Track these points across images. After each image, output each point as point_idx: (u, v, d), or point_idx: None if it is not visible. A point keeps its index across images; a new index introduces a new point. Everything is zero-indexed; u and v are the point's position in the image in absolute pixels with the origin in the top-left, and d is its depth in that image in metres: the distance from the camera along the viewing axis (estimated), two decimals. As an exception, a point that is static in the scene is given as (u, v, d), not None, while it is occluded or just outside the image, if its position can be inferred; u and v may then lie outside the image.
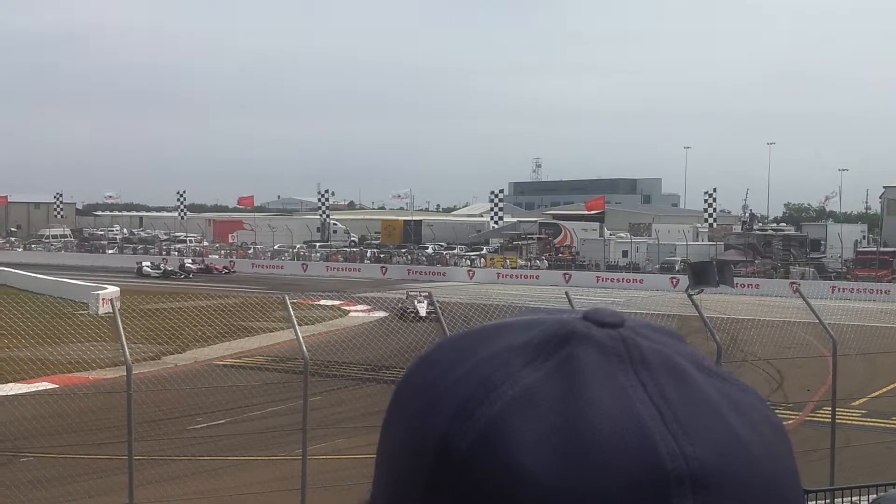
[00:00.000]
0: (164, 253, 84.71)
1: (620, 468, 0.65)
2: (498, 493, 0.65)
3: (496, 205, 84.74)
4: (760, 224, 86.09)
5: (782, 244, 72.69)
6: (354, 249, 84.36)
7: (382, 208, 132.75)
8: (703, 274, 15.43)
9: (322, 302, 41.17)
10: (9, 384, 23.84)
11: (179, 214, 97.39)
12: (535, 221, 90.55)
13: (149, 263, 73.17)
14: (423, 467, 0.68)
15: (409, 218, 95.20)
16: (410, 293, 40.24)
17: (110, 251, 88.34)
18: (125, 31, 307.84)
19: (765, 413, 0.73)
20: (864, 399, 23.99)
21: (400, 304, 37.70)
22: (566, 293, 16.46)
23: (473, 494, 0.66)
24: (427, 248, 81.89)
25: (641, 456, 0.65)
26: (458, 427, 0.67)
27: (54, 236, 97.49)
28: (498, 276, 70.05)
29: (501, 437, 0.66)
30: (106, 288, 44.18)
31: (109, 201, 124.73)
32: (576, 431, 0.66)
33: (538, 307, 0.76)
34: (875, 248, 70.21)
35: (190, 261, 75.53)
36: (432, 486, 0.68)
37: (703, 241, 78.16)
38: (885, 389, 25.46)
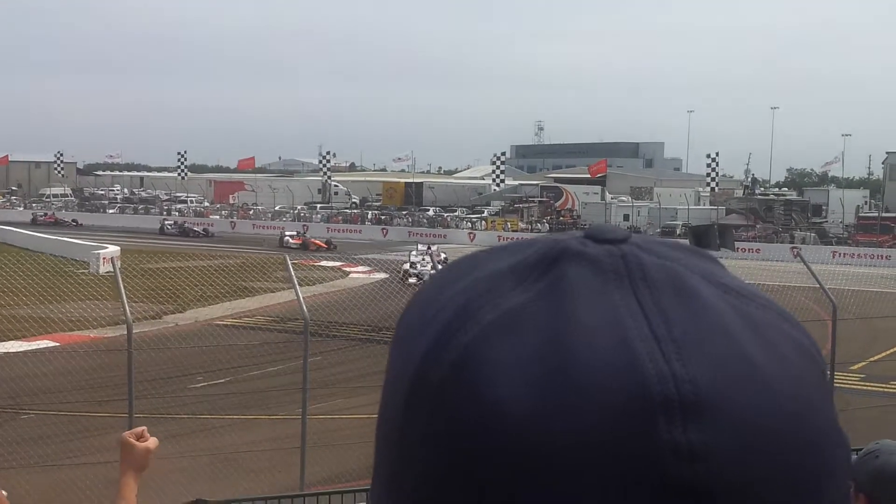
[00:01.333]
0: (164, 213, 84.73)
1: (601, 394, 0.57)
2: (469, 425, 0.59)
3: (498, 167, 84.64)
4: (762, 189, 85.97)
5: (784, 209, 72.68)
6: (355, 211, 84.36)
7: (384, 170, 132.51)
8: (704, 237, 15.45)
9: (322, 263, 41.15)
10: (9, 342, 23.89)
11: (180, 175, 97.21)
12: (537, 185, 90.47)
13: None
14: (402, 396, 0.64)
15: (410, 180, 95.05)
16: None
17: (111, 210, 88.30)
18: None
19: (789, 332, 0.64)
20: (863, 363, 24.09)
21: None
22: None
23: (446, 424, 0.60)
24: (428, 210, 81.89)
25: (625, 378, 0.58)
26: (434, 355, 0.62)
27: (55, 195, 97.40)
28: (499, 239, 69.96)
29: (474, 365, 0.60)
30: (107, 247, 44.20)
31: (110, 161, 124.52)
32: (556, 357, 0.59)
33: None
34: (877, 214, 70.20)
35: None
36: (409, 415, 0.63)
37: (704, 205, 78.17)
38: (883, 354, 25.55)
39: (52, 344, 24.15)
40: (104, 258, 39.46)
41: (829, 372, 0.64)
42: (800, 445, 0.59)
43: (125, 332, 13.28)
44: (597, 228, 0.67)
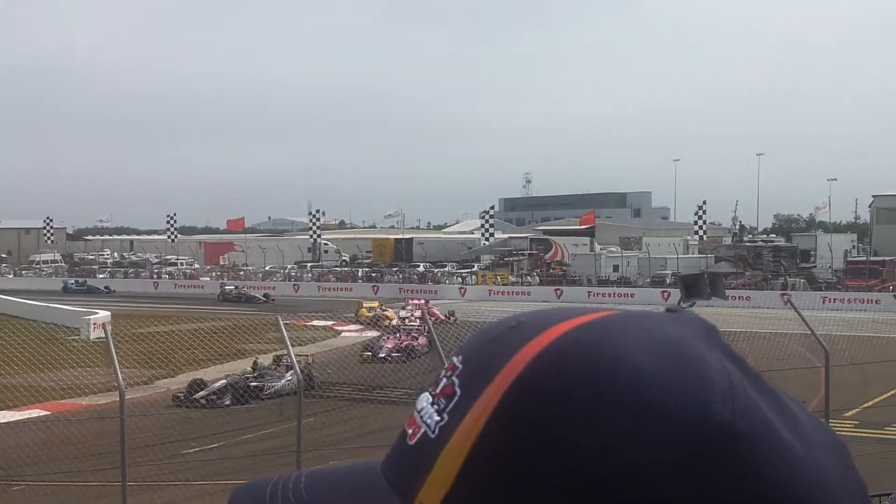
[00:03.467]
0: (154, 276, 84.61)
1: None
2: (773, 466, 0.72)
3: (487, 221, 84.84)
4: (750, 235, 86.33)
5: (772, 255, 72.88)
6: (346, 269, 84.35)
7: (373, 227, 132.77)
8: (694, 287, 15.49)
9: (314, 322, 41.09)
10: (0, 412, 23.73)
11: (170, 237, 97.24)
12: (526, 237, 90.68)
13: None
14: (693, 452, 0.71)
15: (399, 236, 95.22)
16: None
17: (101, 276, 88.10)
18: (113, 60, 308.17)
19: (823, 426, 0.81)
20: (857, 409, 24.02)
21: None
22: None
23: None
24: (418, 266, 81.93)
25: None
26: (722, 407, 0.72)
27: (45, 262, 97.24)
28: (489, 293, 70.07)
29: (759, 413, 0.74)
30: (97, 312, 44.06)
31: (100, 225, 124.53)
32: (789, 411, 0.77)
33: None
34: (865, 258, 70.42)
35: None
36: (710, 471, 0.71)
37: (693, 253, 78.32)
38: (877, 399, 25.50)
39: (43, 413, 23.97)
40: (94, 324, 39.33)
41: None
42: None
43: (117, 399, 13.24)
44: (674, 307, 0.85)
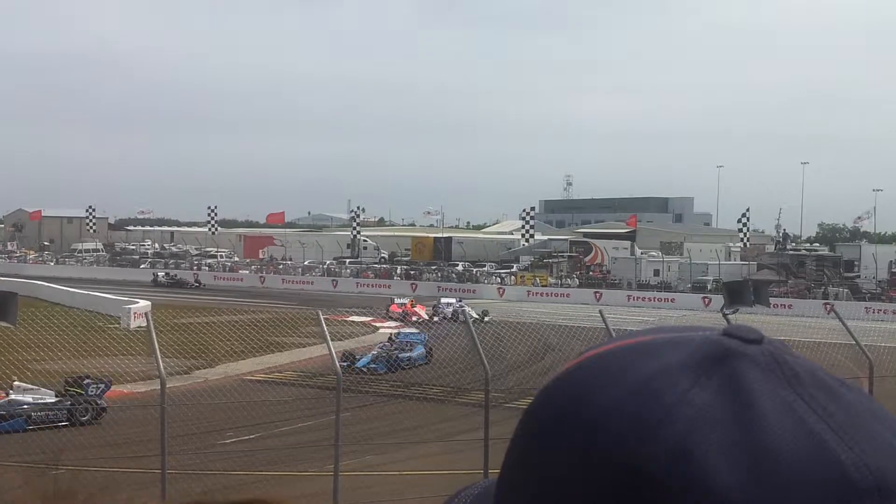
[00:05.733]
0: (194, 268, 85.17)
1: (808, 482, 0.66)
2: None
3: (527, 222, 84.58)
4: (794, 244, 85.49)
5: (816, 264, 72.16)
6: (385, 266, 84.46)
7: (412, 225, 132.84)
8: (738, 293, 15.34)
9: (352, 318, 41.15)
10: (42, 397, 23.92)
11: (210, 230, 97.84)
12: (566, 239, 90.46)
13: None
14: (607, 492, 0.68)
15: (439, 235, 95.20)
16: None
17: (142, 266, 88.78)
18: (157, 52, 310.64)
19: (887, 413, 0.74)
20: (901, 421, 23.66)
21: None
22: (600, 312, 16.35)
23: None
24: (457, 265, 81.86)
25: (826, 469, 0.66)
26: (645, 449, 0.68)
27: (87, 250, 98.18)
28: (528, 294, 69.90)
29: (691, 455, 0.67)
30: (138, 302, 44.40)
31: (142, 216, 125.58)
32: (759, 448, 0.67)
33: (664, 327, 0.80)
34: (910, 269, 69.53)
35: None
36: None
37: (735, 260, 77.73)
38: (921, 412, 25.10)
39: (83, 399, 24.14)
40: (135, 313, 39.64)
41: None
42: None
43: (157, 388, 13.30)
44: (735, 328, 0.75)
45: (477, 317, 42.76)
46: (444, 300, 49.99)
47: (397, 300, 50.65)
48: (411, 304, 49.02)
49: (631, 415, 0.70)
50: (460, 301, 47.93)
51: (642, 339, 0.78)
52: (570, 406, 0.74)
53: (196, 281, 77.13)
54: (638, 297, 66.12)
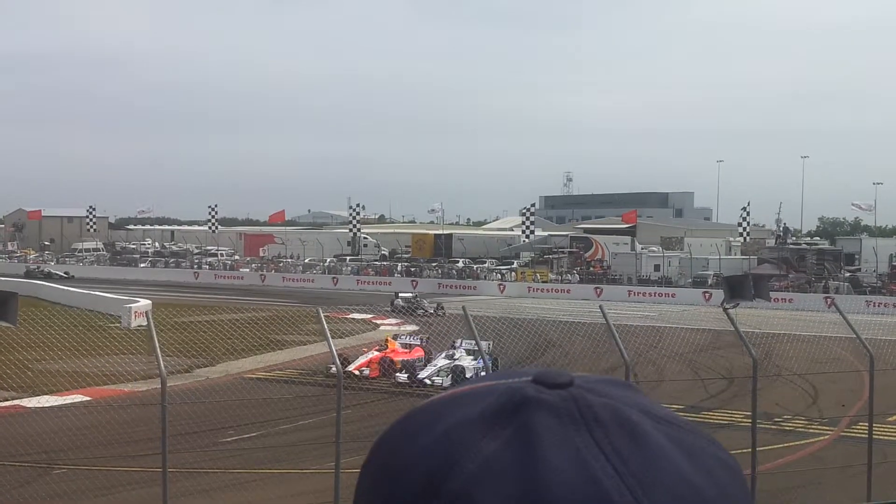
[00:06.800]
0: (195, 266, 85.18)
1: None
2: None
3: (527, 218, 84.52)
4: (794, 238, 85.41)
5: (816, 258, 72.10)
6: (385, 263, 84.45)
7: (413, 222, 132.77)
8: (739, 287, 15.27)
9: (353, 315, 41.16)
10: (42, 396, 23.94)
11: (210, 228, 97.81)
12: (567, 235, 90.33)
13: None
14: None
15: (439, 232, 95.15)
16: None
17: (142, 265, 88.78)
18: (157, 51, 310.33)
19: (717, 455, 0.74)
20: (902, 414, 23.67)
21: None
22: (600, 307, 16.32)
23: None
24: (458, 261, 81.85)
25: None
26: (431, 501, 0.70)
27: (87, 250, 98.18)
28: (529, 290, 69.91)
29: None
30: (138, 301, 44.39)
31: (142, 215, 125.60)
32: (537, 497, 0.67)
33: (491, 373, 0.83)
34: (911, 263, 69.47)
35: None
36: None
37: (735, 255, 77.68)
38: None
39: (84, 398, 24.17)
40: (136, 312, 39.64)
41: (750, 485, 0.77)
42: None
43: (157, 386, 13.28)
44: (544, 374, 0.76)
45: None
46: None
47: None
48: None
49: (424, 467, 0.71)
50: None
51: (462, 389, 0.78)
52: (385, 457, 0.77)
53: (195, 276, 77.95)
54: (638, 293, 66.16)
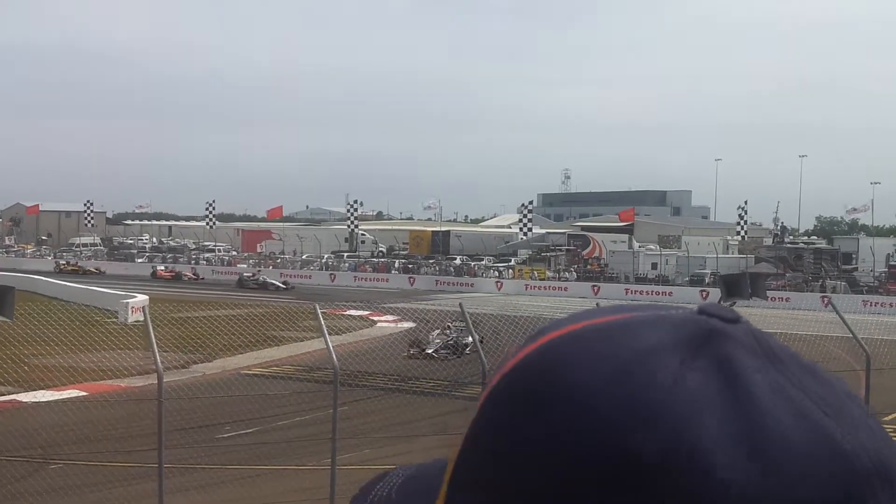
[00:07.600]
0: (192, 262, 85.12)
1: (813, 470, 0.62)
2: (703, 499, 0.61)
3: (525, 216, 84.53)
4: (791, 237, 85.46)
5: (813, 257, 72.14)
6: (382, 260, 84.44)
7: (410, 219, 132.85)
8: (735, 286, 15.31)
9: (350, 312, 41.16)
10: (39, 391, 23.94)
11: (208, 224, 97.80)
12: (564, 233, 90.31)
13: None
14: (591, 476, 0.63)
15: (437, 229, 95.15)
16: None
17: (139, 260, 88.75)
18: (155, 46, 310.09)
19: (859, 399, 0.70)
20: (897, 414, 23.71)
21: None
22: (597, 305, 16.32)
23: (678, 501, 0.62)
24: (455, 259, 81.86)
25: (831, 456, 0.63)
26: (640, 433, 0.63)
27: (84, 245, 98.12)
28: (526, 288, 69.91)
29: (692, 442, 0.62)
30: (135, 296, 44.35)
31: (139, 211, 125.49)
32: (760, 435, 0.63)
33: (641, 305, 0.73)
34: (907, 262, 69.52)
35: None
36: (616, 498, 0.63)
37: (733, 253, 77.70)
38: (918, 404, 25.14)
39: (81, 393, 24.18)
40: (133, 307, 39.61)
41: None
42: None
43: (154, 382, 13.27)
44: (711, 307, 0.70)
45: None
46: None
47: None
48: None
49: (621, 397, 0.64)
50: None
51: (614, 317, 0.71)
52: (544, 385, 0.67)
53: (194, 273, 77.22)
54: (636, 291, 66.17)
